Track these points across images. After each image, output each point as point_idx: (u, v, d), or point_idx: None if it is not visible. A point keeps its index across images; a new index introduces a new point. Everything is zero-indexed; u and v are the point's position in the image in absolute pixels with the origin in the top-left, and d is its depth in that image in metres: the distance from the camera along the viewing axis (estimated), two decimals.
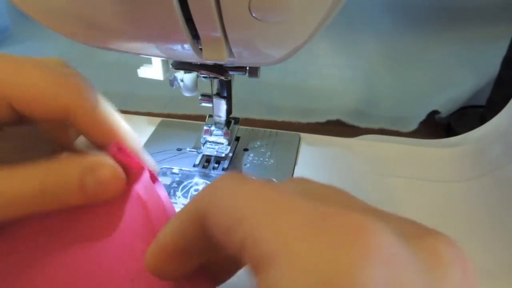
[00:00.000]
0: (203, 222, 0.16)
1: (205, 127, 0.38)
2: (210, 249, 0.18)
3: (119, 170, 0.20)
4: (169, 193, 0.34)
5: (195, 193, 0.34)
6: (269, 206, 0.14)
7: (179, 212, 0.18)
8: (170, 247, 0.18)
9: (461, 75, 0.58)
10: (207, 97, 0.36)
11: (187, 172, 0.37)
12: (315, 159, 0.39)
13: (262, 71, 0.32)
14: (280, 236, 0.13)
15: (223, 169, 0.37)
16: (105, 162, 0.20)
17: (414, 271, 0.12)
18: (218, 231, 0.15)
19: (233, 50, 0.23)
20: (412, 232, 0.14)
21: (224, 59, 0.23)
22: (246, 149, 0.40)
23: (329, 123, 0.53)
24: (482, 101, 0.52)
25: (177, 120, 0.45)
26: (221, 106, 0.36)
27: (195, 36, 0.22)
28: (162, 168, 0.37)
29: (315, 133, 0.43)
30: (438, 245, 0.14)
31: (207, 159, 0.38)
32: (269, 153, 0.39)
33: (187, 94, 0.35)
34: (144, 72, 0.33)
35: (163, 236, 0.18)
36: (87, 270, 0.19)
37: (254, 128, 0.43)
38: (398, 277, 0.12)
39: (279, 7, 0.19)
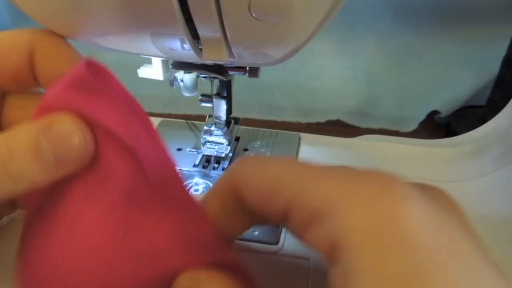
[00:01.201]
0: (237, 194, 0.18)
1: (205, 127, 0.38)
2: (241, 223, 0.19)
3: (80, 123, 0.17)
4: None
5: (195, 193, 0.34)
6: (305, 172, 0.16)
7: (212, 190, 0.19)
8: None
9: (461, 75, 0.58)
10: (207, 97, 0.36)
11: (187, 172, 0.37)
12: (315, 159, 0.39)
13: (262, 71, 0.32)
14: (329, 193, 0.15)
15: (223, 169, 0.37)
16: (61, 116, 0.17)
17: (433, 206, 0.15)
18: (255, 200, 0.17)
19: (233, 50, 0.23)
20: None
21: (224, 60, 0.23)
22: (246, 149, 0.40)
23: (329, 123, 0.53)
24: (482, 101, 0.52)
25: (177, 120, 0.45)
26: (221, 106, 0.36)
27: (195, 36, 0.22)
28: None
29: (315, 133, 0.43)
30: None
31: (207, 159, 0.38)
32: (269, 153, 0.39)
33: (187, 94, 0.35)
34: (144, 72, 0.33)
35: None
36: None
37: (254, 128, 0.43)
38: (428, 210, 0.15)
39: (279, 7, 0.19)
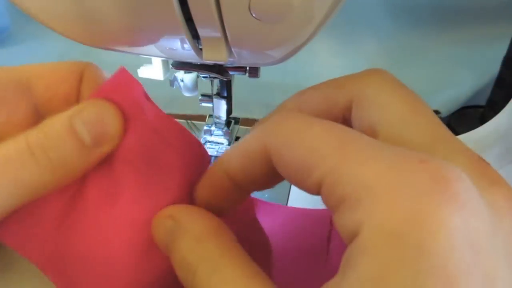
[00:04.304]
0: (269, 157, 0.16)
1: (205, 127, 0.38)
2: (269, 181, 0.18)
3: (111, 104, 0.18)
4: None
5: None
6: (345, 147, 0.14)
7: (240, 147, 0.18)
8: (225, 180, 0.18)
9: (461, 75, 0.58)
10: (207, 97, 0.36)
11: None
12: None
13: (262, 71, 0.32)
14: (361, 179, 0.13)
15: None
16: (92, 101, 0.18)
17: (485, 217, 0.13)
18: (286, 171, 0.16)
19: (233, 50, 0.23)
20: (481, 175, 0.15)
21: (224, 60, 0.23)
22: None
23: None
24: (482, 101, 0.52)
25: (177, 120, 0.45)
26: (221, 106, 0.36)
27: (195, 36, 0.22)
28: None
29: None
30: (502, 196, 0.15)
31: None
32: None
33: (187, 94, 0.35)
34: (144, 72, 0.33)
35: (219, 169, 0.18)
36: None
37: None
38: (473, 222, 0.12)
39: (279, 7, 0.19)
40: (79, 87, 0.20)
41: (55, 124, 0.17)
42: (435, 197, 0.12)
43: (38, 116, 0.19)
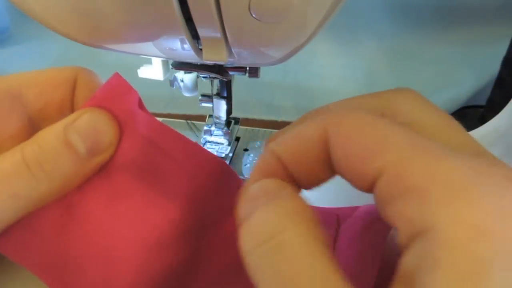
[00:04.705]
0: (326, 145, 0.16)
1: (205, 127, 0.38)
2: (319, 174, 0.17)
3: (105, 112, 0.18)
4: None
5: None
6: (415, 141, 0.14)
7: (294, 132, 0.17)
8: (277, 168, 0.17)
9: (461, 75, 0.58)
10: (207, 97, 0.36)
11: None
12: None
13: (262, 71, 0.32)
14: (435, 171, 0.13)
15: None
16: (85, 110, 0.18)
17: None
18: (344, 160, 0.15)
19: (233, 50, 0.23)
20: None
21: (224, 60, 0.23)
22: (246, 149, 0.40)
23: None
24: (482, 101, 0.52)
25: (177, 120, 0.45)
26: (221, 106, 0.36)
27: (195, 36, 0.22)
28: None
29: None
30: None
31: None
32: None
33: (187, 94, 0.36)
34: (144, 72, 0.33)
35: (271, 155, 0.17)
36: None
37: (254, 128, 0.43)
38: None
39: (279, 8, 0.19)
40: (73, 93, 0.20)
41: (49, 136, 0.17)
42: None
43: (32, 125, 0.19)
